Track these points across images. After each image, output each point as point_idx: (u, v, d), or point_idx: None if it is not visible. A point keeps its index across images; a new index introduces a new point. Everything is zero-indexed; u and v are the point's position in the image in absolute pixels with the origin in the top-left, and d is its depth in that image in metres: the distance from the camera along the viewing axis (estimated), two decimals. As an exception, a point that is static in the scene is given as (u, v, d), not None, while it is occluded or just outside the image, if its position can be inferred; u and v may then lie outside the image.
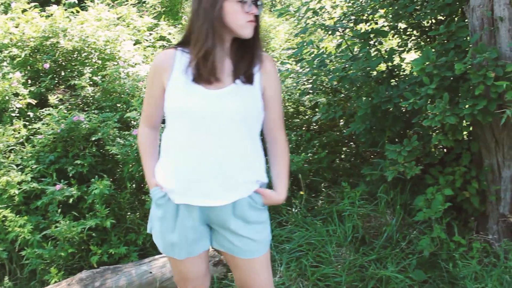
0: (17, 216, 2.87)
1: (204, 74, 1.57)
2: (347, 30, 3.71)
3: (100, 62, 3.79)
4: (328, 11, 4.02)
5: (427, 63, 2.66)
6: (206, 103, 1.58)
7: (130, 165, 3.07)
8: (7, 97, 3.35)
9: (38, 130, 3.25)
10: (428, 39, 3.65)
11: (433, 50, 2.80)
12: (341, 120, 4.41)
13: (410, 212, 3.27)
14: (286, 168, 1.80)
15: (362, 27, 3.73)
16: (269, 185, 1.78)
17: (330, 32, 3.64)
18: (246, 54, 1.62)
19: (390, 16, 3.71)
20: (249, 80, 1.62)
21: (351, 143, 4.43)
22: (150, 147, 1.80)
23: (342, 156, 4.31)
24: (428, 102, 2.77)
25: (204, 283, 1.91)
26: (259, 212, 1.73)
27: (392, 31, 3.77)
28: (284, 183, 1.77)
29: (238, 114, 1.60)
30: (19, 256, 2.90)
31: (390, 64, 3.56)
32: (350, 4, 3.87)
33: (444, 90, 2.68)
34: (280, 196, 1.75)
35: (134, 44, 4.20)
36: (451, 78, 2.76)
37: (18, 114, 3.44)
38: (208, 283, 1.94)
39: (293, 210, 3.51)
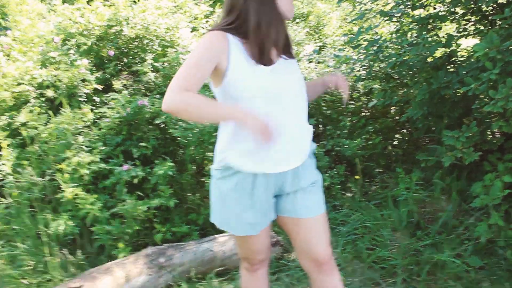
0: (87, 194, 3.05)
1: (267, 56, 1.70)
2: (404, 15, 3.69)
3: (160, 49, 3.93)
4: (384, -3, 4.00)
5: (490, 47, 2.62)
6: (274, 80, 1.71)
7: (192, 148, 3.20)
8: (75, 83, 3.54)
9: (104, 114, 3.43)
10: (488, 24, 3.57)
11: (496, 34, 2.76)
12: (393, 107, 4.40)
13: (466, 198, 3.25)
14: None
15: (420, 12, 3.69)
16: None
17: (387, 18, 3.62)
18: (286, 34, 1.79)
19: (448, 1, 3.65)
20: (292, 55, 1.82)
21: (404, 129, 4.41)
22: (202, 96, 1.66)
23: (395, 143, 4.31)
24: (490, 87, 2.74)
25: (267, 254, 2.07)
26: (314, 165, 1.91)
27: (450, 17, 3.71)
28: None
29: (299, 84, 1.78)
30: (89, 232, 3.09)
31: (448, 49, 3.52)
32: (407, -11, 3.83)
33: (507, 75, 2.64)
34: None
35: (191, 32, 4.32)
36: (515, 64, 2.71)
37: (85, 99, 3.63)
38: (270, 254, 2.13)
39: (348, 194, 3.56)
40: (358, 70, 3.98)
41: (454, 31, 3.95)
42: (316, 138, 4.22)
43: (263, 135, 1.57)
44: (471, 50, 3.61)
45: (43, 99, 3.58)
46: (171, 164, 3.06)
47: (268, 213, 1.87)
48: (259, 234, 1.89)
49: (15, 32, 4.27)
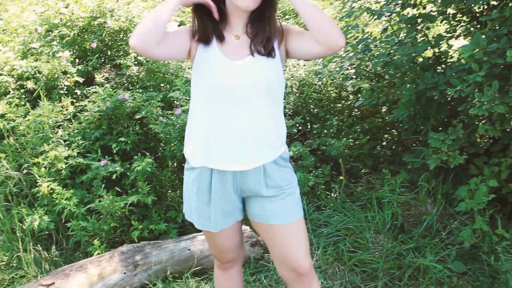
0: (64, 189, 2.98)
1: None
2: (394, 14, 3.63)
3: (145, 42, 3.85)
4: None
5: (477, 49, 2.57)
6: (235, 74, 1.66)
7: (172, 144, 3.13)
8: (56, 75, 3.46)
9: (84, 108, 3.35)
10: (478, 25, 3.52)
11: (484, 36, 2.71)
12: (383, 107, 4.34)
13: (451, 202, 3.20)
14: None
15: (409, 11, 3.63)
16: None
17: (376, 17, 3.56)
18: (261, 29, 1.69)
19: (439, 1, 3.60)
20: (269, 53, 1.68)
21: (393, 130, 4.36)
22: None
23: (384, 143, 4.25)
24: (476, 90, 2.68)
25: (239, 254, 2.02)
26: (286, 172, 1.81)
27: (441, 17, 3.66)
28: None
29: (264, 83, 1.67)
30: (65, 228, 3.02)
31: (437, 50, 3.46)
32: (397, -12, 3.77)
33: (493, 77, 2.59)
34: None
35: (179, 25, 4.24)
36: (502, 66, 2.67)
37: (66, 92, 3.55)
38: (243, 254, 2.07)
39: (332, 195, 3.51)
40: (347, 69, 3.92)
41: (444, 32, 3.90)
42: (303, 136, 4.16)
43: None
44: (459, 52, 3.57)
45: (22, 90, 3.50)
46: (150, 160, 2.99)
47: (230, 214, 1.83)
48: (222, 233, 1.86)
49: (-1, 22, 4.19)
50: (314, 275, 1.88)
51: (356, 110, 4.43)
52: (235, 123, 1.68)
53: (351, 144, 3.92)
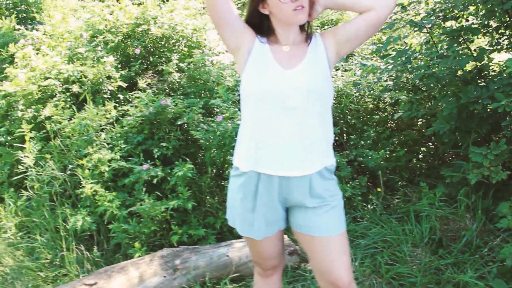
0: (106, 191, 3.05)
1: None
2: (435, 26, 3.61)
3: (186, 49, 3.93)
4: (415, 7, 3.93)
5: (524, 64, 2.54)
6: (283, 83, 1.71)
7: (212, 151, 3.18)
8: (101, 80, 3.56)
9: (127, 112, 3.43)
10: (523, 39, 3.48)
11: (531, 50, 2.68)
12: (420, 120, 4.31)
13: (492, 218, 3.15)
14: None
15: (451, 24, 3.61)
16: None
17: (417, 29, 3.55)
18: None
19: (481, 13, 3.57)
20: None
21: (429, 143, 4.32)
22: None
23: (420, 156, 4.21)
24: (522, 105, 2.65)
25: (280, 261, 2.04)
26: (331, 184, 1.82)
27: (483, 30, 3.62)
28: None
29: (309, 92, 1.70)
30: (106, 229, 3.09)
31: (479, 63, 3.43)
32: (439, 0, 3.75)
33: (541, 93, 2.56)
34: None
35: (218, 34, 4.31)
36: (550, 81, 2.63)
37: (109, 96, 3.64)
38: (283, 261, 2.08)
39: (369, 206, 3.49)
40: (385, 80, 3.91)
41: (486, 45, 3.85)
42: (339, 147, 4.16)
43: None
44: (503, 65, 3.52)
45: (68, 94, 3.61)
46: (191, 165, 3.04)
47: (273, 222, 1.85)
48: (264, 241, 1.88)
49: (47, 27, 4.33)
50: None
51: (392, 122, 4.41)
52: (285, 130, 1.71)
53: (388, 156, 3.91)
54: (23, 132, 3.31)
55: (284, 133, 1.71)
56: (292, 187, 1.77)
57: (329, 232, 1.79)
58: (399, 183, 3.79)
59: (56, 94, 3.62)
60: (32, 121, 3.53)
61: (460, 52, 3.37)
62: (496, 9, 3.25)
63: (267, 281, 2.08)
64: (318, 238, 1.80)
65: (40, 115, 3.46)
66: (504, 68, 3.39)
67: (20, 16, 6.65)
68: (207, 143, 3.18)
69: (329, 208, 1.80)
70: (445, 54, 3.41)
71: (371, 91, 4.20)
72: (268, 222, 1.84)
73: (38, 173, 3.18)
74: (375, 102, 4.33)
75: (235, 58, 1.83)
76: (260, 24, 1.78)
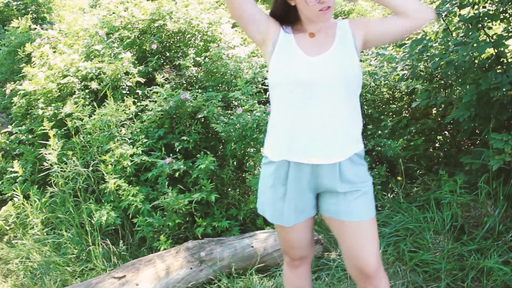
0: (129, 186, 3.09)
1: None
2: (451, 14, 3.60)
3: (202, 43, 3.95)
4: (430, -5, 3.91)
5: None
6: (311, 71, 1.72)
7: (233, 143, 3.20)
8: (119, 76, 3.59)
9: (146, 107, 3.46)
10: (540, 25, 3.46)
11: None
12: (434, 108, 4.30)
13: (513, 204, 3.16)
14: None
15: (469, 11, 3.60)
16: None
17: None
18: None
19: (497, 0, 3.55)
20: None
21: (445, 132, 4.31)
22: None
23: (437, 145, 4.21)
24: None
25: (309, 252, 2.04)
26: (360, 170, 1.81)
27: (501, 15, 3.60)
28: None
29: (336, 79, 1.71)
30: (131, 223, 3.12)
31: (496, 50, 3.42)
32: (455, -13, 3.73)
33: None
34: None
35: (232, 27, 4.32)
36: None
37: (128, 92, 3.67)
38: (313, 252, 2.09)
39: (389, 195, 3.51)
40: (402, 70, 3.91)
41: (502, 32, 3.83)
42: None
43: None
44: (522, 51, 3.51)
45: (87, 91, 3.64)
46: (213, 158, 3.07)
47: (303, 209, 1.86)
48: (294, 228, 1.89)
49: (61, 26, 4.36)
50: (382, 276, 1.87)
51: (406, 112, 4.41)
52: (314, 118, 1.72)
53: (405, 145, 3.91)
54: (45, 129, 3.34)
55: (313, 121, 1.72)
56: (322, 174, 1.78)
57: (360, 217, 1.80)
58: (418, 171, 3.80)
59: (75, 91, 3.65)
60: (53, 118, 3.57)
61: (480, 39, 3.36)
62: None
63: (296, 272, 2.08)
64: (348, 223, 1.81)
65: (61, 113, 3.50)
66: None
67: (31, 16, 6.69)
68: (228, 136, 3.20)
69: (360, 194, 1.80)
70: (463, 41, 3.40)
71: (387, 81, 4.19)
72: (297, 208, 1.85)
73: (61, 169, 3.21)
74: (391, 92, 4.32)
75: (262, 50, 1.85)
76: (286, 15, 1.79)
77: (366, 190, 1.83)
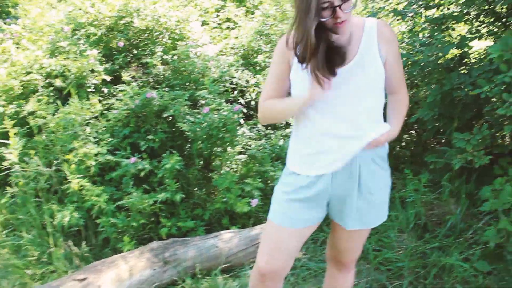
0: (93, 186, 3.03)
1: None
2: (417, 15, 3.65)
3: (170, 41, 3.90)
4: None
5: (505, 50, 2.59)
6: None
7: (199, 142, 3.17)
8: (84, 73, 3.52)
9: (112, 106, 3.40)
10: (502, 26, 3.53)
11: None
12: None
13: (475, 202, 3.21)
14: (403, 116, 1.84)
15: (432, 12, 3.65)
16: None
17: (399, 17, 3.58)
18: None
19: (461, 1, 3.62)
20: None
21: (412, 131, 4.37)
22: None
23: (403, 144, 4.27)
24: (504, 90, 2.70)
25: (285, 267, 1.89)
26: (381, 176, 1.79)
27: (465, 17, 3.67)
28: (398, 123, 1.81)
29: (355, 93, 1.66)
30: (94, 224, 3.07)
31: (461, 50, 3.48)
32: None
33: (522, 78, 2.61)
34: (394, 130, 1.78)
35: (202, 25, 4.29)
36: (530, 67, 2.68)
37: (93, 90, 3.61)
38: (287, 271, 1.92)
39: (355, 194, 3.53)
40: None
41: (466, 33, 3.91)
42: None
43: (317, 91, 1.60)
44: (483, 52, 3.58)
45: (51, 88, 3.56)
46: (179, 158, 3.04)
47: (312, 213, 1.81)
48: (293, 232, 1.82)
49: (25, 21, 4.26)
50: (353, 268, 2.02)
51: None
52: (330, 133, 1.69)
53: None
54: (6, 128, 3.26)
55: (332, 134, 1.69)
56: (338, 179, 1.75)
57: (360, 226, 1.81)
58: (384, 170, 3.83)
59: (38, 89, 3.57)
60: (15, 116, 3.48)
61: (443, 39, 3.42)
62: (475, -3, 3.30)
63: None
64: (343, 229, 1.84)
65: (23, 111, 3.41)
66: (484, 55, 3.45)
67: (-5, 10, 6.52)
68: (194, 135, 3.18)
69: (370, 204, 1.77)
70: (428, 42, 3.45)
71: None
72: (308, 211, 1.81)
73: (23, 169, 3.13)
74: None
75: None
76: None
77: (376, 202, 1.80)
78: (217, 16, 4.59)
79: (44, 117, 3.30)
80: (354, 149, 1.68)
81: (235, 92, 3.79)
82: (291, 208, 1.80)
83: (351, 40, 1.66)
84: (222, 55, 3.97)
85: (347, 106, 1.66)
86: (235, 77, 3.65)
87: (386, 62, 1.69)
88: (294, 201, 1.78)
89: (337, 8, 1.52)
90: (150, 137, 3.21)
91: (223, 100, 3.34)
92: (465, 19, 3.67)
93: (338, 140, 1.69)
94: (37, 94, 3.50)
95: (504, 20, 3.37)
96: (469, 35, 3.73)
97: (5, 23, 4.49)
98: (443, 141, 3.76)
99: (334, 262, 2.02)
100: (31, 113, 3.38)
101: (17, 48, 3.88)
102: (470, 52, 3.59)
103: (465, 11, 3.63)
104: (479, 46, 3.93)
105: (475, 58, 3.64)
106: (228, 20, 4.71)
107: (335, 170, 1.71)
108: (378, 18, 4.01)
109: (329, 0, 1.51)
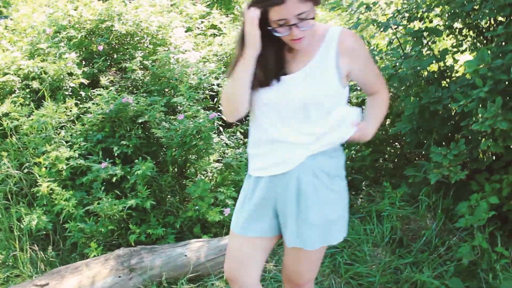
0: (63, 190, 2.98)
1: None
2: (400, 27, 3.62)
3: (151, 47, 3.88)
4: (381, 7, 3.93)
5: (481, 65, 2.56)
6: (273, 94, 1.65)
7: (174, 149, 3.13)
8: (62, 76, 3.48)
9: (88, 110, 3.36)
10: (485, 41, 3.50)
11: (489, 51, 2.69)
12: (387, 120, 4.32)
13: (451, 217, 3.17)
14: (382, 114, 1.82)
15: (416, 25, 3.63)
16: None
17: (382, 29, 3.55)
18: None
19: (446, 15, 3.59)
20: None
21: (396, 143, 4.33)
22: None
23: (386, 156, 4.23)
24: (480, 105, 2.67)
25: (249, 274, 1.83)
26: (328, 203, 1.71)
27: (447, 31, 3.65)
28: (375, 122, 1.78)
29: (301, 99, 1.62)
30: (63, 229, 3.02)
31: (442, 64, 3.45)
32: (405, 1, 3.76)
33: (497, 93, 2.57)
34: (369, 129, 1.72)
35: (186, 31, 4.26)
36: (506, 82, 2.65)
37: (71, 93, 3.57)
38: (253, 277, 1.84)
39: (331, 206, 3.48)
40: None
41: (451, 46, 3.88)
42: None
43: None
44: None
45: (28, 90, 3.52)
46: (151, 164, 2.99)
47: (258, 221, 1.76)
48: (245, 241, 1.79)
49: (8, 21, 4.23)
50: (312, 286, 1.93)
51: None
52: (275, 136, 1.67)
53: (353, 156, 3.90)
54: (-21, 128, 3.22)
55: (274, 139, 1.67)
56: (278, 191, 1.73)
57: (300, 244, 1.72)
58: (364, 182, 3.79)
59: (15, 90, 3.53)
60: (-11, 117, 3.44)
61: (424, 53, 3.39)
62: (457, 10, 3.27)
63: None
64: (289, 248, 1.78)
65: (-3, 112, 3.37)
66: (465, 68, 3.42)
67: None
68: (169, 142, 3.13)
69: (316, 225, 1.69)
70: (409, 55, 3.42)
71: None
72: (253, 217, 1.78)
73: (-8, 171, 3.09)
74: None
75: None
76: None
77: (324, 224, 1.73)
78: (202, 22, 4.57)
79: (17, 119, 3.25)
80: (289, 157, 1.65)
81: (215, 99, 3.75)
82: (242, 214, 1.78)
83: (309, 49, 1.61)
84: (205, 61, 3.93)
85: (291, 113, 1.62)
86: (213, 84, 3.60)
87: (351, 73, 1.65)
88: (244, 206, 1.78)
89: (293, 27, 1.49)
90: (124, 142, 3.17)
91: (200, 107, 3.30)
92: (448, 33, 3.64)
93: (278, 144, 1.66)
94: (14, 95, 3.46)
95: (485, 34, 3.34)
96: (454, 49, 3.71)
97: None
98: (422, 155, 3.72)
99: (288, 282, 1.93)
100: (5, 115, 3.34)
101: (-3, 48, 3.85)
102: (454, 65, 3.56)
103: (451, 24, 3.60)
104: (465, 59, 3.91)
105: (457, 72, 3.62)
106: (213, 27, 4.68)
107: (271, 175, 1.68)
108: (362, 29, 4.00)
109: (284, 18, 1.48)
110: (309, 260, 1.80)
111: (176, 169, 3.29)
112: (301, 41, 1.53)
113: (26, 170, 3.15)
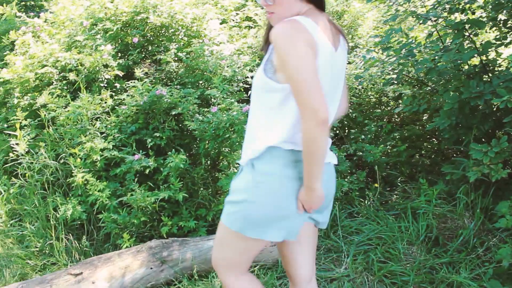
0: (98, 181, 3.02)
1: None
2: (440, 19, 3.50)
3: (186, 39, 3.87)
4: (420, -2, 3.81)
5: (526, 58, 2.44)
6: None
7: (207, 142, 3.13)
8: (97, 68, 3.52)
9: (123, 101, 3.39)
10: (531, 33, 3.35)
11: (535, 45, 2.57)
12: (425, 114, 4.20)
13: (491, 217, 3.06)
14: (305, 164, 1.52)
15: (457, 16, 3.50)
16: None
17: (421, 21, 3.44)
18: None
19: (490, 6, 3.44)
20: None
21: (433, 139, 4.21)
22: None
23: (423, 152, 4.11)
24: (524, 101, 2.55)
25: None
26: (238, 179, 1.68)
27: (490, 23, 3.50)
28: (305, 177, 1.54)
29: (255, 89, 1.63)
30: (97, 219, 3.06)
31: (484, 58, 3.32)
32: (446, -9, 3.63)
33: (543, 89, 2.46)
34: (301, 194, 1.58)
35: (220, 23, 4.24)
36: (553, 77, 2.52)
37: (106, 85, 3.61)
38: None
39: (366, 202, 3.42)
40: (389, 73, 3.81)
41: (494, 39, 3.73)
42: (340, 141, 4.08)
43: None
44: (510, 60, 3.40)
45: (65, 82, 3.58)
46: (184, 156, 2.99)
47: None
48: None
49: (48, 14, 4.30)
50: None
51: (396, 117, 4.31)
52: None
53: (389, 151, 3.82)
54: (18, 119, 3.29)
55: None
56: None
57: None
58: (399, 178, 3.71)
59: (53, 82, 3.59)
60: (28, 108, 3.51)
61: (465, 46, 3.26)
62: (503, 1, 3.13)
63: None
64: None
65: (36, 103, 3.44)
66: (509, 62, 3.28)
67: (28, 4, 6.64)
68: (202, 134, 3.13)
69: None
70: (449, 48, 3.30)
71: (374, 85, 4.10)
72: None
73: (29, 160, 3.16)
74: (378, 96, 4.23)
75: None
76: None
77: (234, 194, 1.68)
78: (237, 14, 4.54)
79: (54, 110, 3.31)
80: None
81: (249, 92, 3.72)
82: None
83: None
84: (239, 54, 3.91)
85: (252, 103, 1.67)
86: (247, 77, 3.57)
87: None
88: None
89: None
90: (158, 134, 3.18)
91: (234, 100, 3.28)
92: (491, 25, 3.49)
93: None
94: (51, 87, 3.53)
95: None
96: (497, 42, 3.56)
97: (28, 16, 4.56)
98: (460, 151, 3.60)
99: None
100: (44, 106, 3.40)
101: (36, 41, 3.93)
102: (498, 59, 3.42)
103: (495, 16, 3.45)
104: (508, 53, 3.75)
105: (500, 66, 3.47)
106: (248, 19, 4.65)
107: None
108: (400, 21, 3.89)
109: None
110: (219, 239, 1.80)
111: (209, 161, 3.28)
112: (271, 16, 1.59)
113: (62, 161, 3.20)
